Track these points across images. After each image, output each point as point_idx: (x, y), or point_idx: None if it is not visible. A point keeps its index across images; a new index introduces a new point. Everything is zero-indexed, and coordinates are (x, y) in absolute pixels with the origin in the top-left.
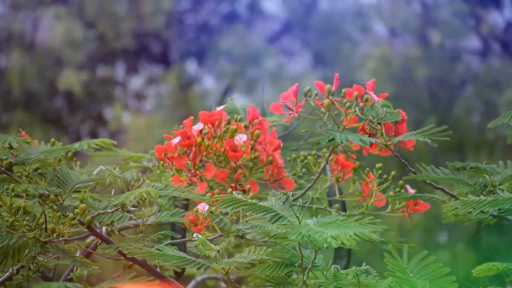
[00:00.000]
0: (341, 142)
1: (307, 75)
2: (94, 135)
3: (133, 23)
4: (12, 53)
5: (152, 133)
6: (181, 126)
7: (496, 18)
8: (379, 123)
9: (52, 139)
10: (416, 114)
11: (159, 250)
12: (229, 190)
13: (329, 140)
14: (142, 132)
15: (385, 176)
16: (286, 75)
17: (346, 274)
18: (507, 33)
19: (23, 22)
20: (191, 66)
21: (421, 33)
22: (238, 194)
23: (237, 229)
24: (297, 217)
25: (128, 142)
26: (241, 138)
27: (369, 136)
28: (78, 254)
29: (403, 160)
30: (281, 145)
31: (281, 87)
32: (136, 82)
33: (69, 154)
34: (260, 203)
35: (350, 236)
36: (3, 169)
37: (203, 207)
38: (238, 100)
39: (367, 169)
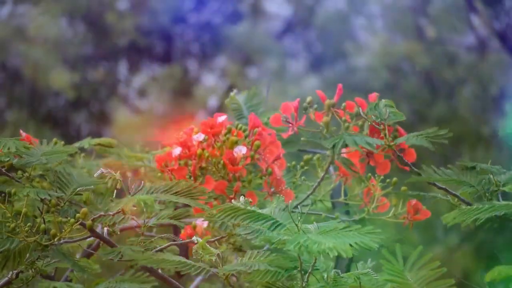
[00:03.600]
0: (342, 148)
1: (309, 74)
2: (96, 134)
3: (136, 20)
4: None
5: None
6: (181, 133)
7: (496, 13)
8: (382, 124)
9: (54, 139)
10: (411, 109)
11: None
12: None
13: (338, 144)
14: (140, 129)
15: (388, 180)
16: (287, 75)
17: (347, 278)
18: (507, 28)
19: (23, 18)
20: (193, 65)
21: (417, 27)
22: (238, 202)
23: (237, 235)
24: (296, 224)
25: (127, 139)
26: (240, 150)
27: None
28: (79, 254)
29: (406, 161)
30: (281, 155)
31: (282, 87)
32: (138, 80)
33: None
34: (259, 211)
35: (350, 245)
36: (4, 171)
37: (201, 223)
38: (240, 99)
39: (369, 174)
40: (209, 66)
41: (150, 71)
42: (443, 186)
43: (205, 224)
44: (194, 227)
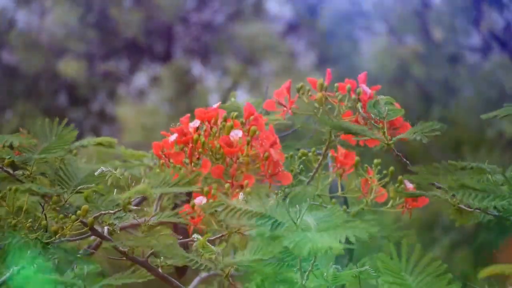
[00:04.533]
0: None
1: (311, 74)
2: (96, 130)
3: (138, 18)
4: (15, 44)
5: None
6: (178, 123)
7: (495, 16)
8: (381, 121)
9: (62, 125)
10: (415, 111)
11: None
12: (226, 185)
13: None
14: (142, 127)
15: (385, 171)
16: (290, 74)
17: (347, 275)
18: (506, 31)
19: (26, 13)
20: (195, 64)
21: (421, 30)
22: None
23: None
24: (295, 222)
25: (129, 136)
26: (236, 134)
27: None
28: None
29: (404, 159)
30: (278, 141)
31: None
32: (139, 79)
33: (74, 151)
34: (258, 211)
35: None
36: (5, 168)
37: (200, 201)
38: (242, 98)
39: (366, 165)
40: (211, 65)
41: (151, 70)
42: (442, 185)
43: (204, 201)
44: (193, 206)
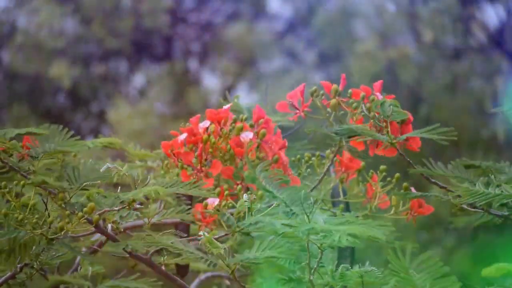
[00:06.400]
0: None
1: (311, 74)
2: (95, 132)
3: (134, 21)
4: (12, 47)
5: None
6: (187, 123)
7: (489, 15)
8: (385, 121)
9: (66, 130)
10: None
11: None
12: (238, 187)
13: (349, 136)
14: (139, 128)
15: (388, 179)
16: (290, 74)
17: (353, 274)
18: (501, 30)
19: (22, 16)
20: (193, 65)
21: (412, 31)
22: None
23: (243, 226)
24: (307, 215)
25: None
26: (247, 135)
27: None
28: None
29: (408, 159)
30: (286, 145)
31: (284, 86)
32: (138, 80)
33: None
34: (277, 193)
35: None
36: (10, 164)
37: (213, 201)
38: (241, 99)
39: (371, 171)
40: (209, 65)
41: (151, 71)
42: (444, 185)
43: (216, 202)
44: (206, 206)
